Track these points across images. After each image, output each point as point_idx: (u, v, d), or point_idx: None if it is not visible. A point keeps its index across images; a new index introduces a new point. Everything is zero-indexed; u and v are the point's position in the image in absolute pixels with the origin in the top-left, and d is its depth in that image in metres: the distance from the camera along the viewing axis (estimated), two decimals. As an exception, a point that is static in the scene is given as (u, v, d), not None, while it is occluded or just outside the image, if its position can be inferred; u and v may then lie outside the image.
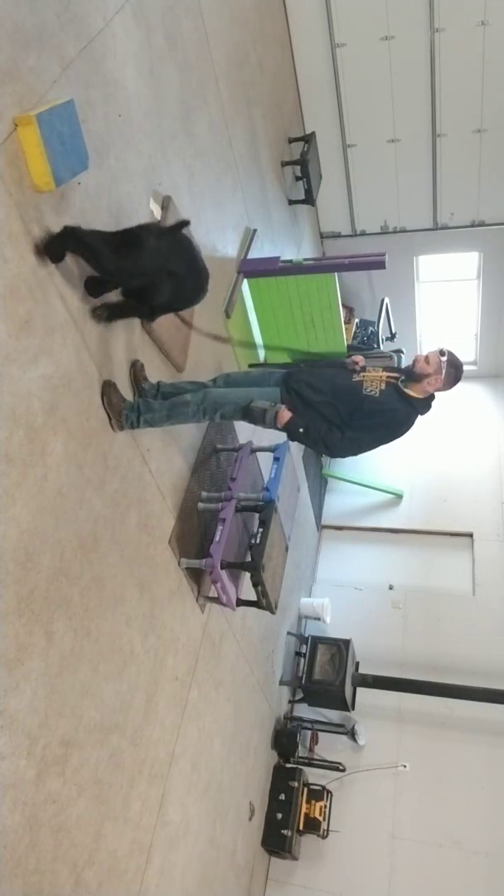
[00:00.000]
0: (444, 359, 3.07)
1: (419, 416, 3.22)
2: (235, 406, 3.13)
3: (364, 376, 3.22)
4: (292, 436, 3.09)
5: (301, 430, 3.03)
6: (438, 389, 3.14)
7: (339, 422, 3.12)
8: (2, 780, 2.25)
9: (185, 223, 2.76)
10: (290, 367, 3.53)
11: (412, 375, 3.14)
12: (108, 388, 2.96)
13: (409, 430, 3.23)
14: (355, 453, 3.21)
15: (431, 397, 3.20)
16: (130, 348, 3.24)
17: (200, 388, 3.39)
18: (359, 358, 3.35)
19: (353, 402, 3.13)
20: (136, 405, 3.09)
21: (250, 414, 3.07)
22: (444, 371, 3.06)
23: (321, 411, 3.14)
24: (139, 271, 2.65)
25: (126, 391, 3.16)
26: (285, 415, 3.02)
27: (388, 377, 3.20)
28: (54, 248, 2.48)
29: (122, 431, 3.06)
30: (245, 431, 5.03)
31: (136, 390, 3.23)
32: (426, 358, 3.10)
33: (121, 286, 2.80)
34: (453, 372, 3.09)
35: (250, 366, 4.11)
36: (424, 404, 3.19)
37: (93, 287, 2.73)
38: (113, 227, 3.01)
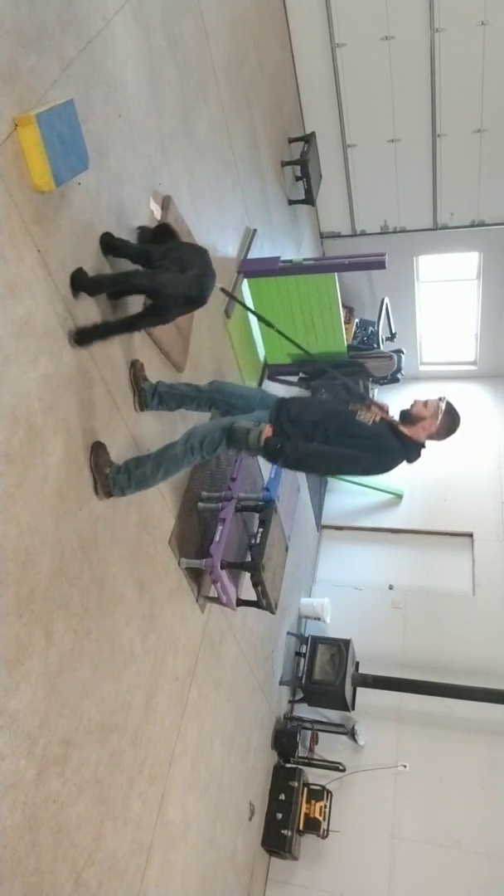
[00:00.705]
0: (443, 405, 3.04)
1: (406, 463, 3.12)
2: (221, 431, 2.99)
3: (360, 410, 3.15)
4: (271, 454, 2.94)
5: (278, 446, 2.91)
6: (432, 436, 3.08)
7: (323, 440, 3.03)
8: (2, 780, 2.25)
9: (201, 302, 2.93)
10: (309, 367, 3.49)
11: (408, 417, 3.09)
12: (96, 449, 2.85)
13: (394, 467, 3.10)
14: (336, 469, 3.12)
15: (421, 446, 3.13)
16: (130, 348, 3.24)
17: (194, 389, 3.33)
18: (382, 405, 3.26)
19: (342, 425, 3.07)
20: (125, 467, 2.97)
21: (233, 435, 2.93)
22: (440, 417, 3.02)
23: (306, 430, 3.04)
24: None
25: (125, 390, 3.16)
26: (269, 432, 2.92)
27: (383, 416, 3.14)
28: (89, 336, 2.71)
29: (107, 499, 2.93)
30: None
31: (134, 390, 3.21)
32: (425, 402, 3.07)
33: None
34: (449, 420, 3.05)
35: (271, 369, 3.94)
36: (414, 450, 3.11)
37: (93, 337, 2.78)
38: (114, 226, 3.02)
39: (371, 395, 6.58)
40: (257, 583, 4.11)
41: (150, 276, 2.76)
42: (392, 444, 3.06)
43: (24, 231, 2.38)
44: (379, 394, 7.05)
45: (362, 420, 3.10)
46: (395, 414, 3.18)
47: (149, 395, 3.23)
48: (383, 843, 5.56)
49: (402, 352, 6.12)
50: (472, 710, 5.91)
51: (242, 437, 2.90)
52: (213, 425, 3.08)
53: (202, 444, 3.01)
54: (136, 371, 3.22)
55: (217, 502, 4.03)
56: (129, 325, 2.87)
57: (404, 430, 3.08)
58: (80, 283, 2.66)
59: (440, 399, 3.07)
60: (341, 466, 3.14)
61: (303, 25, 6.16)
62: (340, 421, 3.09)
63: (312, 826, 5.48)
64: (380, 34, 6.05)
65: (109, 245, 2.88)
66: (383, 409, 3.17)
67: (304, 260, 5.19)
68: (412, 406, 3.10)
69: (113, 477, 2.89)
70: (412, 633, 6.75)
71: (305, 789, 5.61)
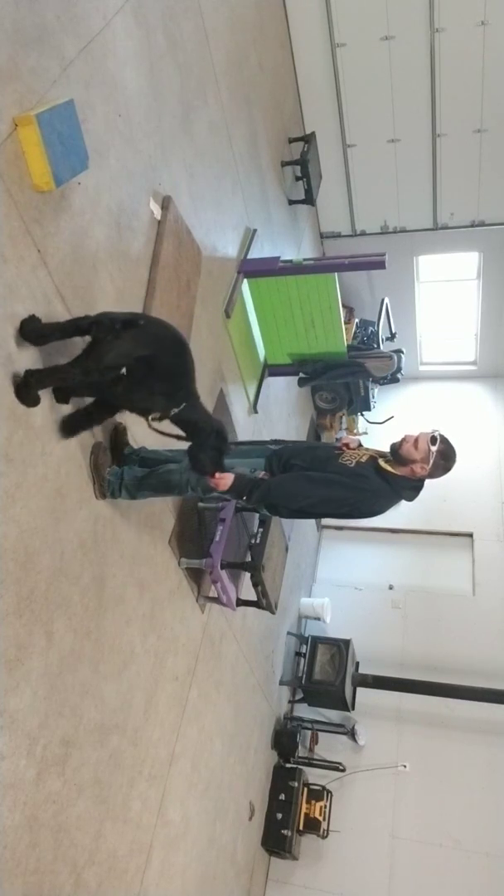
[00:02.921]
0: (435, 448, 2.73)
1: (400, 501, 2.91)
2: None
3: (346, 452, 2.97)
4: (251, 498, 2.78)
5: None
6: (424, 477, 2.84)
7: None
8: (2, 780, 2.25)
9: None
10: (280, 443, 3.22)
11: (397, 457, 2.82)
12: (96, 450, 2.84)
13: (383, 510, 2.89)
14: (313, 506, 2.85)
15: (420, 483, 2.88)
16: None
17: (182, 454, 3.13)
18: (351, 440, 3.11)
19: (321, 466, 2.89)
20: (119, 473, 2.93)
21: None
22: (431, 461, 2.74)
23: (292, 471, 2.90)
24: None
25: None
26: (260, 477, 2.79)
27: (370, 456, 2.92)
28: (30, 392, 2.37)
29: (104, 500, 2.90)
30: (247, 428, 5.03)
31: (116, 454, 3.05)
32: (415, 441, 2.77)
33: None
34: (442, 463, 2.77)
35: (237, 444, 3.74)
36: (410, 487, 2.87)
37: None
38: (113, 226, 3.02)
39: (372, 396, 6.59)
40: (257, 583, 4.11)
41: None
42: (373, 485, 2.82)
43: (24, 231, 2.38)
44: (379, 393, 7.05)
45: (345, 462, 2.88)
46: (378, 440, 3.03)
47: (130, 462, 3.06)
48: (383, 843, 5.56)
49: (402, 352, 6.12)
50: (472, 710, 5.91)
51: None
52: None
53: (199, 482, 2.92)
54: (117, 434, 3.06)
55: (217, 502, 4.03)
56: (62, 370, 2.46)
57: (392, 469, 2.83)
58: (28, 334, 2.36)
59: (432, 438, 2.74)
60: (320, 503, 2.83)
61: (303, 25, 6.16)
62: (322, 463, 2.88)
63: (312, 826, 5.48)
64: (380, 34, 6.04)
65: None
66: (354, 446, 3.03)
67: (304, 260, 5.19)
68: (401, 444, 2.81)
69: (109, 480, 2.90)
70: (412, 633, 6.75)
71: (305, 789, 5.61)
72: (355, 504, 2.83)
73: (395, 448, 2.83)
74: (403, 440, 2.82)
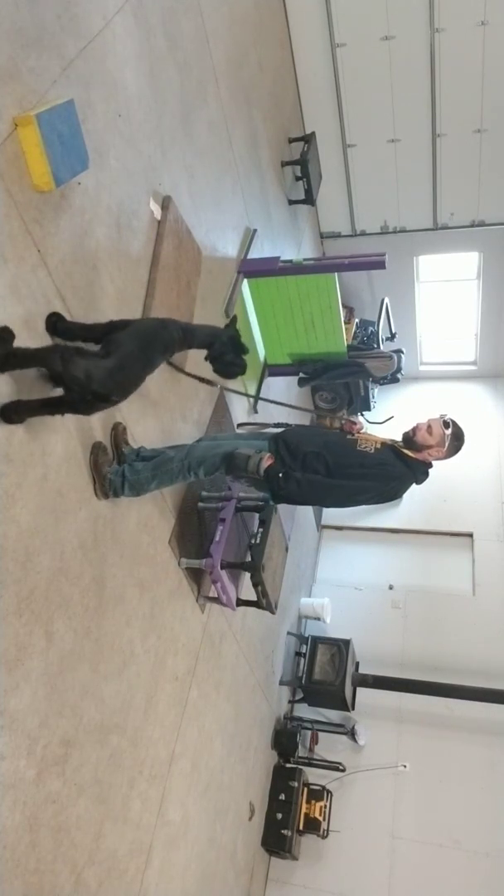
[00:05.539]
0: (449, 431, 2.90)
1: (415, 484, 3.04)
2: (221, 458, 2.96)
3: (359, 437, 3.06)
4: (272, 484, 2.86)
5: (280, 474, 2.82)
6: (438, 459, 3.00)
7: (325, 472, 2.94)
8: (2, 780, 2.25)
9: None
10: (284, 426, 3.29)
11: (412, 445, 2.96)
12: (96, 449, 2.84)
13: (403, 493, 3.03)
14: (343, 503, 3.02)
15: (429, 466, 3.04)
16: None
17: (183, 447, 3.23)
18: (357, 423, 3.20)
19: (342, 455, 2.97)
20: (121, 471, 2.94)
21: (233, 461, 2.88)
22: (447, 444, 2.91)
23: (306, 461, 2.95)
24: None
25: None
26: (270, 460, 2.85)
27: (384, 441, 3.05)
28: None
29: (105, 500, 2.89)
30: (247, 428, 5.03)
31: (116, 454, 3.05)
32: (428, 427, 2.93)
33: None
34: (456, 444, 2.95)
35: (239, 426, 3.71)
36: (422, 471, 3.03)
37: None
38: (113, 226, 3.02)
39: (372, 396, 6.59)
40: (257, 583, 4.10)
41: (66, 361, 2.22)
42: (397, 471, 2.95)
43: (24, 231, 2.38)
44: (379, 393, 7.05)
45: (364, 449, 2.99)
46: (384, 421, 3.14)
47: (129, 461, 3.05)
48: (383, 843, 5.56)
49: (402, 352, 6.12)
50: (472, 710, 5.91)
51: (242, 463, 2.86)
52: (213, 449, 3.01)
53: (200, 466, 2.98)
54: (117, 434, 3.06)
55: (217, 502, 4.03)
56: (49, 406, 2.38)
57: (409, 453, 2.98)
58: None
59: (443, 422, 2.91)
60: (348, 499, 3.01)
61: (303, 25, 6.16)
62: (341, 451, 2.98)
63: (312, 826, 5.48)
64: (380, 34, 6.05)
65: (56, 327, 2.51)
66: (356, 426, 3.09)
67: (304, 260, 5.19)
68: (415, 432, 2.96)
69: (110, 479, 2.90)
70: (412, 633, 6.76)
71: (305, 789, 5.61)
72: (382, 492, 2.97)
73: (409, 436, 2.97)
74: (416, 428, 2.97)
